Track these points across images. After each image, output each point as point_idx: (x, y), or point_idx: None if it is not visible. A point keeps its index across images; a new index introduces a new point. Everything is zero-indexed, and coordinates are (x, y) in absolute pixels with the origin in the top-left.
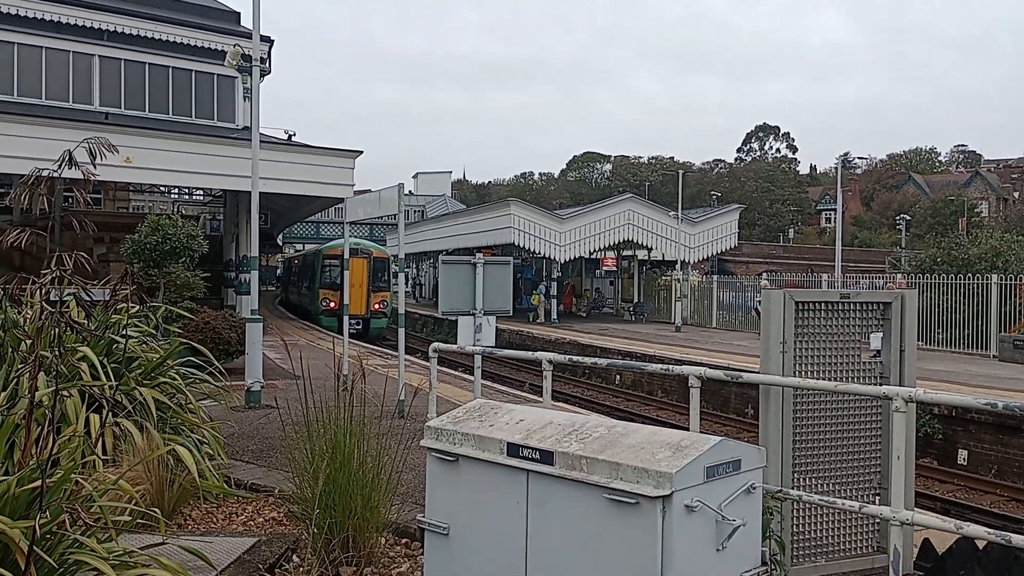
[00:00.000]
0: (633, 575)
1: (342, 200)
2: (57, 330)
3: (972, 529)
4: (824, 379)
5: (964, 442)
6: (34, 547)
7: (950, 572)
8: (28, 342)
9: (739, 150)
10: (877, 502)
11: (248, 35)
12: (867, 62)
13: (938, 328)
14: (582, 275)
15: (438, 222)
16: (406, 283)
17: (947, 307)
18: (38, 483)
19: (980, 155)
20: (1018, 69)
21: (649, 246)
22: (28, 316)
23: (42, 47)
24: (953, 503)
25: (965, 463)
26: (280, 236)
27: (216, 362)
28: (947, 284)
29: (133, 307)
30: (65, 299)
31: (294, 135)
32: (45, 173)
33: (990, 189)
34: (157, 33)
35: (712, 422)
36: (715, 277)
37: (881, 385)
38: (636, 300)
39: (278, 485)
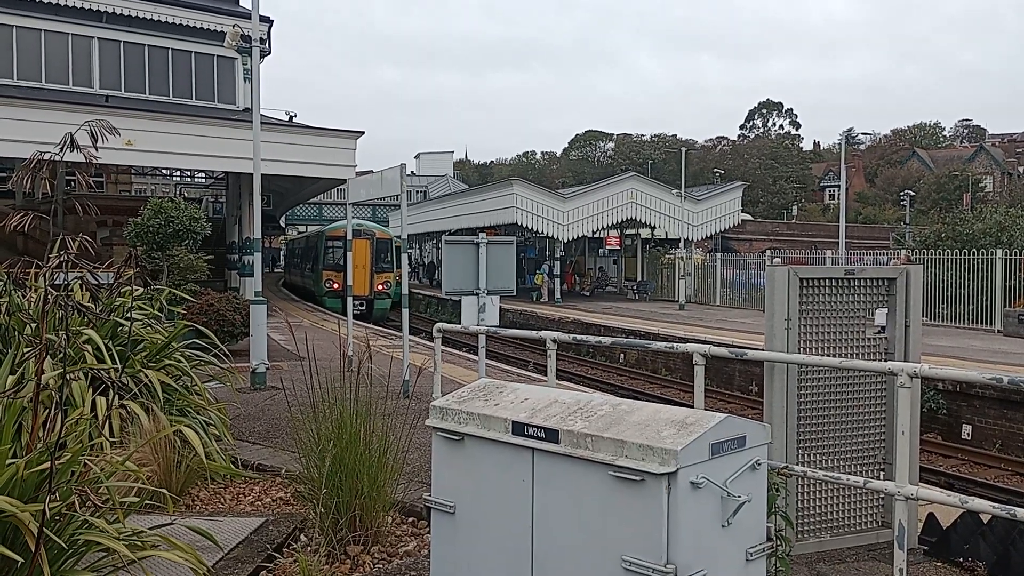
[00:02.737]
0: (639, 552)
1: (344, 181)
2: (62, 313)
3: (976, 503)
4: (829, 356)
5: (968, 417)
6: (44, 529)
7: (955, 546)
8: (33, 325)
9: (742, 127)
10: (882, 477)
11: (247, 16)
12: (871, 38)
13: (943, 304)
14: (585, 254)
15: (440, 202)
16: (409, 264)
17: (952, 282)
18: (46, 465)
19: (984, 130)
20: (1022, 44)
21: (652, 224)
22: (32, 300)
23: (41, 30)
24: (957, 478)
25: (969, 438)
26: (283, 218)
27: (220, 344)
28: (951, 259)
29: (137, 290)
30: (69, 283)
31: (295, 116)
32: (47, 157)
33: (994, 164)
34: (156, 14)
35: (716, 399)
36: (718, 255)
37: (886, 361)
38: (640, 279)
39: (285, 465)
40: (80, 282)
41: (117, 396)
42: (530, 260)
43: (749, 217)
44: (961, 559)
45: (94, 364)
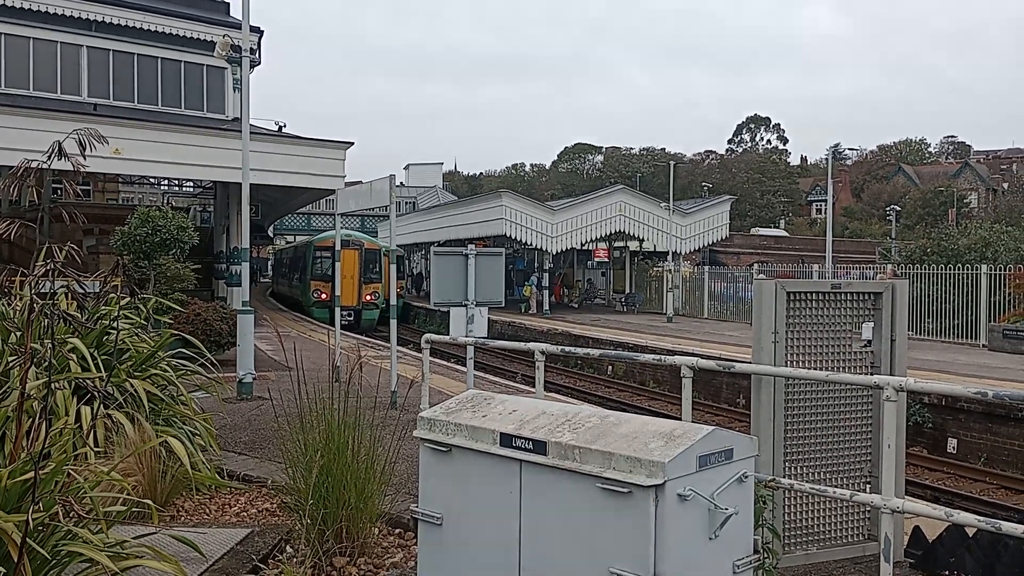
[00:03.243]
0: (627, 564)
1: (333, 191)
2: (48, 322)
3: (962, 517)
4: (815, 369)
5: (954, 431)
6: (27, 539)
7: (940, 559)
8: (18, 334)
9: (730, 141)
10: (868, 490)
11: (238, 25)
12: (858, 54)
13: (928, 318)
14: (574, 266)
15: (429, 213)
16: (400, 274)
17: (937, 297)
18: (30, 475)
19: (970, 146)
20: (1008, 61)
21: (641, 237)
22: (18, 308)
23: (29, 38)
24: (943, 491)
25: (955, 451)
26: (271, 228)
27: (207, 353)
28: (937, 274)
29: (123, 299)
30: (55, 291)
31: (285, 127)
32: (35, 165)
33: (979, 180)
34: (146, 23)
35: (704, 412)
36: (706, 268)
37: (872, 375)
38: (628, 291)
39: (271, 476)
40: (66, 291)
41: (102, 405)
42: (519, 272)
43: (784, 233)
44: (947, 572)
45: (79, 373)
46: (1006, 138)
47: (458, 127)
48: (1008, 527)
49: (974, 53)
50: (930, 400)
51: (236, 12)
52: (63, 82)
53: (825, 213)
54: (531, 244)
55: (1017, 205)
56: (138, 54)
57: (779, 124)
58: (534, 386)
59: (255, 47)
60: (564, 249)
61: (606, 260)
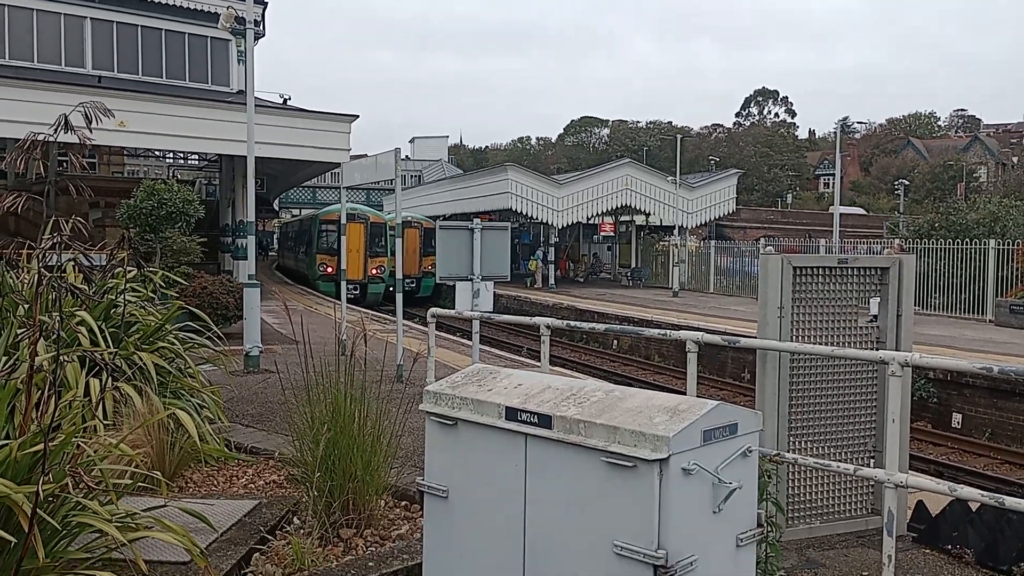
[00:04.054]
0: (631, 537)
1: (338, 165)
2: (56, 295)
3: (965, 491)
4: (821, 344)
5: (959, 406)
6: (37, 510)
7: (943, 533)
8: (26, 307)
9: (738, 115)
10: (872, 465)
11: None
12: (867, 27)
13: (935, 293)
14: (580, 240)
15: (435, 187)
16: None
17: (945, 272)
18: (40, 447)
19: (979, 120)
20: (1018, 34)
21: (647, 211)
22: (26, 281)
23: (33, 9)
24: (947, 466)
25: (959, 427)
26: (277, 201)
27: (214, 327)
28: (945, 249)
29: (130, 272)
30: (62, 264)
31: (290, 99)
32: (40, 137)
33: (989, 154)
34: None
35: (709, 387)
36: (713, 242)
37: (878, 350)
38: (634, 265)
39: (278, 449)
40: (73, 263)
41: (111, 378)
42: (524, 246)
43: (862, 211)
44: (950, 546)
45: (88, 346)
46: (1016, 111)
47: (464, 100)
48: (1011, 502)
49: (985, 26)
50: (935, 375)
51: None
52: (67, 54)
53: (833, 187)
54: (537, 218)
55: None
56: (142, 26)
57: (787, 97)
58: (539, 360)
59: (259, 18)
60: (570, 223)
61: (612, 234)
